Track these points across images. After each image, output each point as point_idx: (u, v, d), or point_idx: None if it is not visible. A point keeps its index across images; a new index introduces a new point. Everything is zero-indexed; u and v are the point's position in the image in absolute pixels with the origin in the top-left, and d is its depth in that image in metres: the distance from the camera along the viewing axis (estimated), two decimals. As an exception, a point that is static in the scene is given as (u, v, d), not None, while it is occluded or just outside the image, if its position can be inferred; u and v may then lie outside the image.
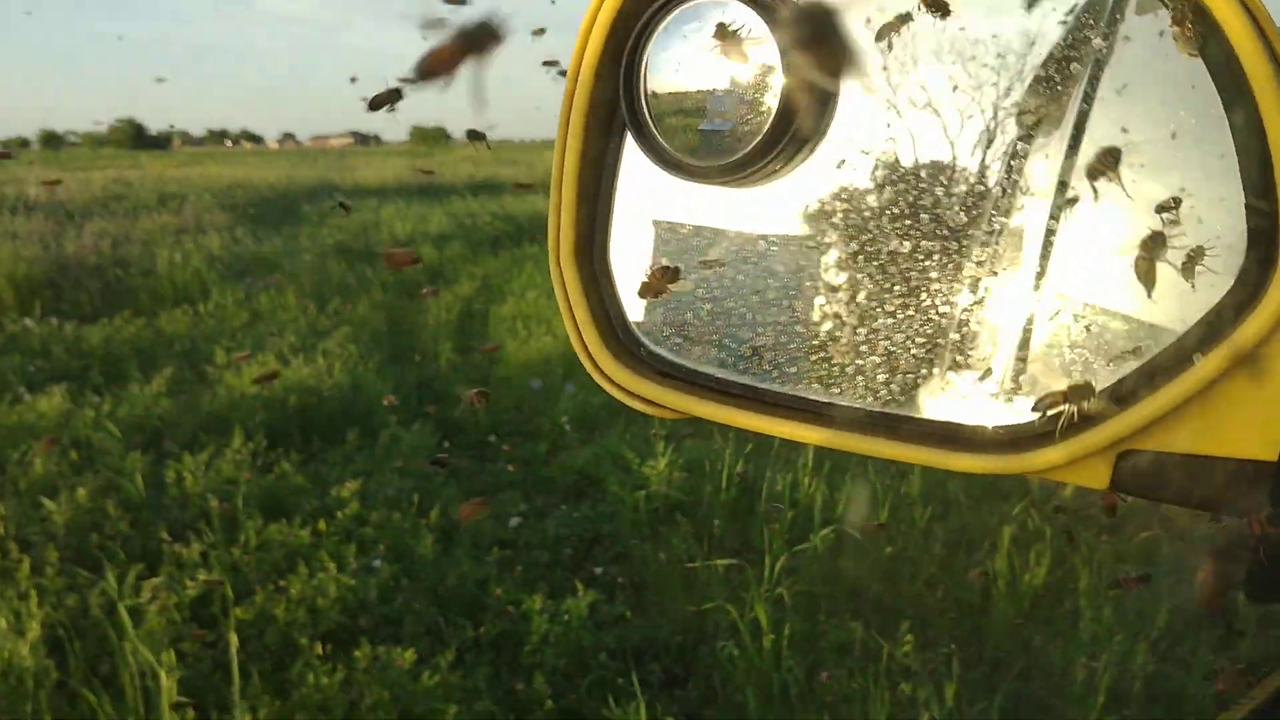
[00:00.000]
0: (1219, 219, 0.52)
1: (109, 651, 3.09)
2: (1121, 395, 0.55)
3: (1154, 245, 0.53)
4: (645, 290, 0.67)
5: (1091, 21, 0.57)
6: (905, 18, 0.58)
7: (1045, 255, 0.57)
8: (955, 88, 0.58)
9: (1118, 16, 0.57)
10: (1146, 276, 0.53)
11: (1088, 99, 0.56)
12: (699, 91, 0.61)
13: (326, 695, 2.91)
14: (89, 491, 3.97)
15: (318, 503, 4.17)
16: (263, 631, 3.25)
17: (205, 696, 2.95)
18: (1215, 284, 0.53)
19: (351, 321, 8.26)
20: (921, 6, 0.57)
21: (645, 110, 0.63)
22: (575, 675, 3.21)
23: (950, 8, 0.57)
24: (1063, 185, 0.56)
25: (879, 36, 0.59)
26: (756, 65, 0.58)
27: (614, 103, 0.65)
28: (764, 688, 3.18)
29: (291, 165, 30.21)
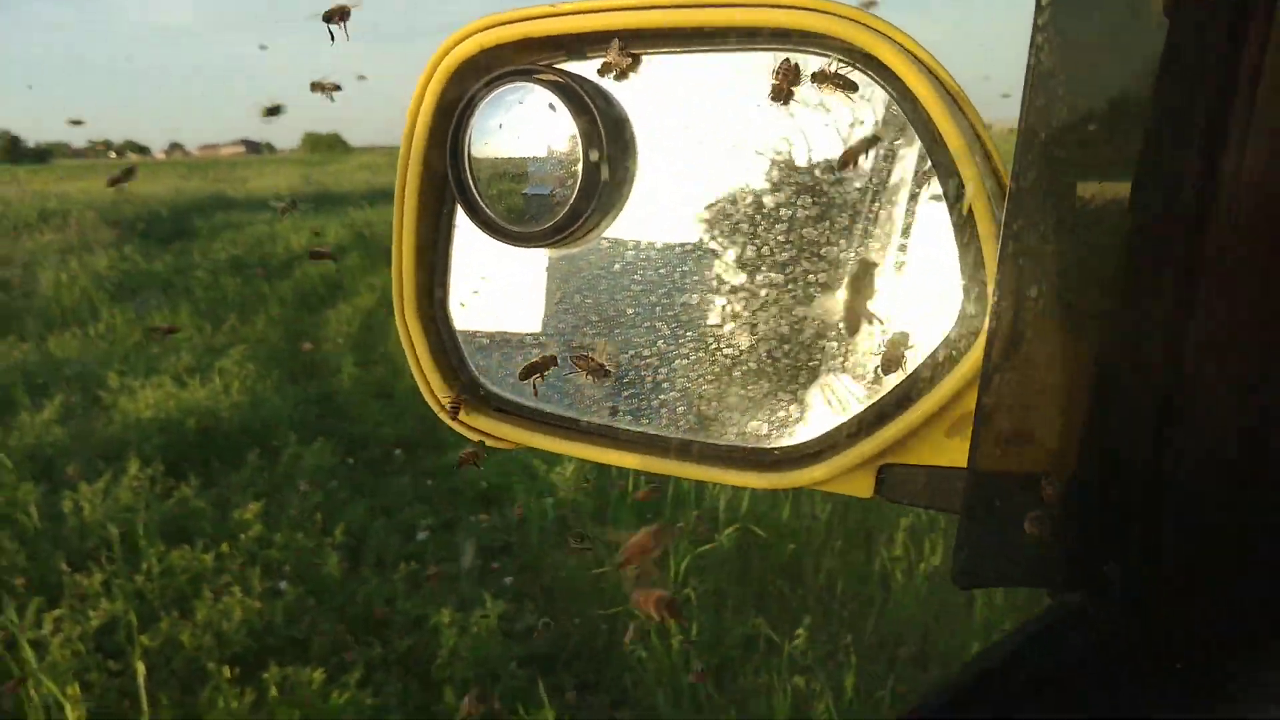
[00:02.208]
0: (948, 279, 0.62)
1: (12, 686, 3.04)
2: (877, 419, 0.64)
3: (900, 344, 0.63)
4: (527, 372, 0.76)
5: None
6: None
7: (812, 311, 0.66)
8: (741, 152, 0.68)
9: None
10: (890, 366, 0.64)
11: (871, 179, 0.65)
12: (520, 160, 0.70)
13: (237, 718, 2.90)
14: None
15: (220, 526, 4.13)
16: (170, 658, 3.22)
17: (112, 727, 2.93)
18: (942, 326, 0.62)
19: (249, 339, 8.14)
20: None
21: (471, 185, 0.72)
22: (486, 686, 3.25)
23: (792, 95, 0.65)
24: (833, 249, 0.66)
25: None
26: (564, 140, 0.68)
27: (444, 175, 0.74)
28: (674, 688, 3.26)
29: (180, 176, 29.42)
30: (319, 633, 3.48)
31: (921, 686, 3.25)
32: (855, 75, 0.64)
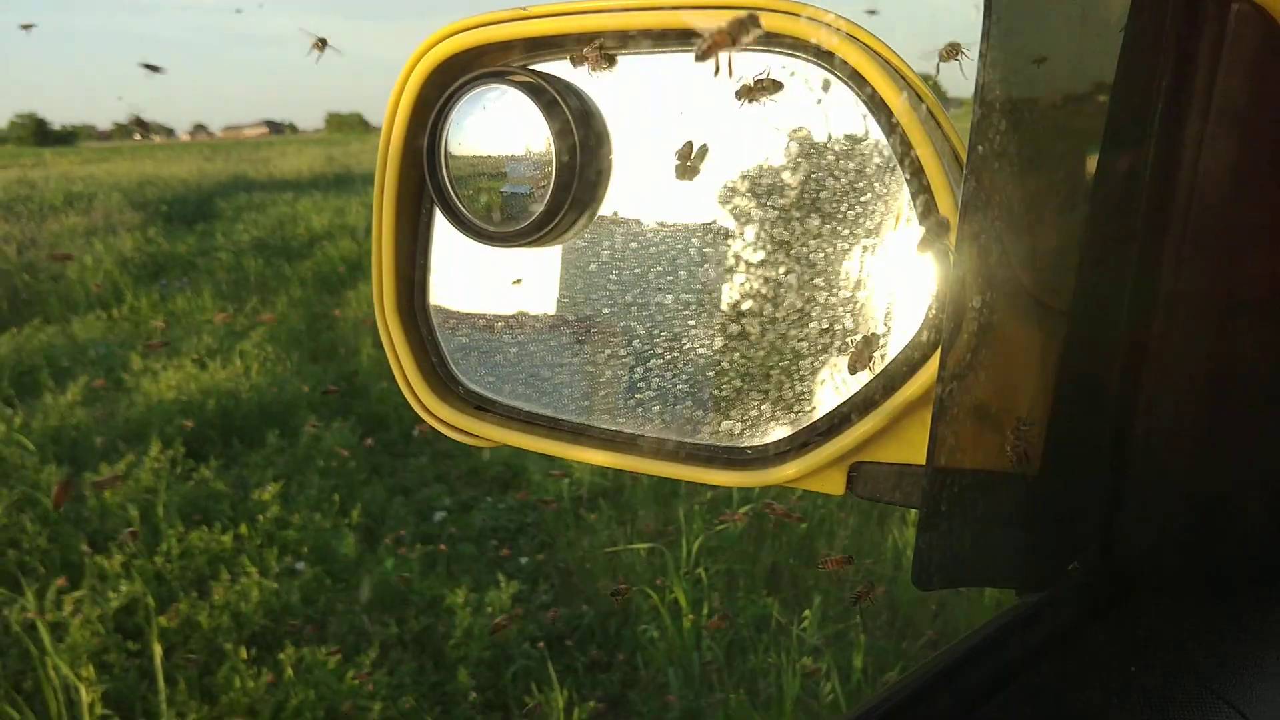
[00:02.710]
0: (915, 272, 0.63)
1: (33, 667, 3.09)
2: (848, 416, 0.65)
3: (869, 344, 0.64)
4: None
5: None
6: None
7: (781, 311, 0.67)
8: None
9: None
10: (859, 363, 0.64)
11: (831, 173, 0.66)
12: (496, 160, 0.71)
13: (254, 698, 2.95)
14: (4, 508, 3.94)
15: (239, 507, 4.18)
16: (188, 639, 3.27)
17: (132, 706, 2.98)
18: (910, 325, 0.63)
19: (269, 320, 8.19)
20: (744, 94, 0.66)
21: (448, 186, 0.73)
22: (499, 666, 3.28)
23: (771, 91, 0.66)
24: (801, 247, 0.67)
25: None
26: (539, 140, 0.69)
27: (422, 176, 0.75)
28: (685, 667, 3.28)
29: (204, 158, 29.59)
30: (334, 613, 3.52)
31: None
32: (818, 75, 0.64)
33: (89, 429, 5.17)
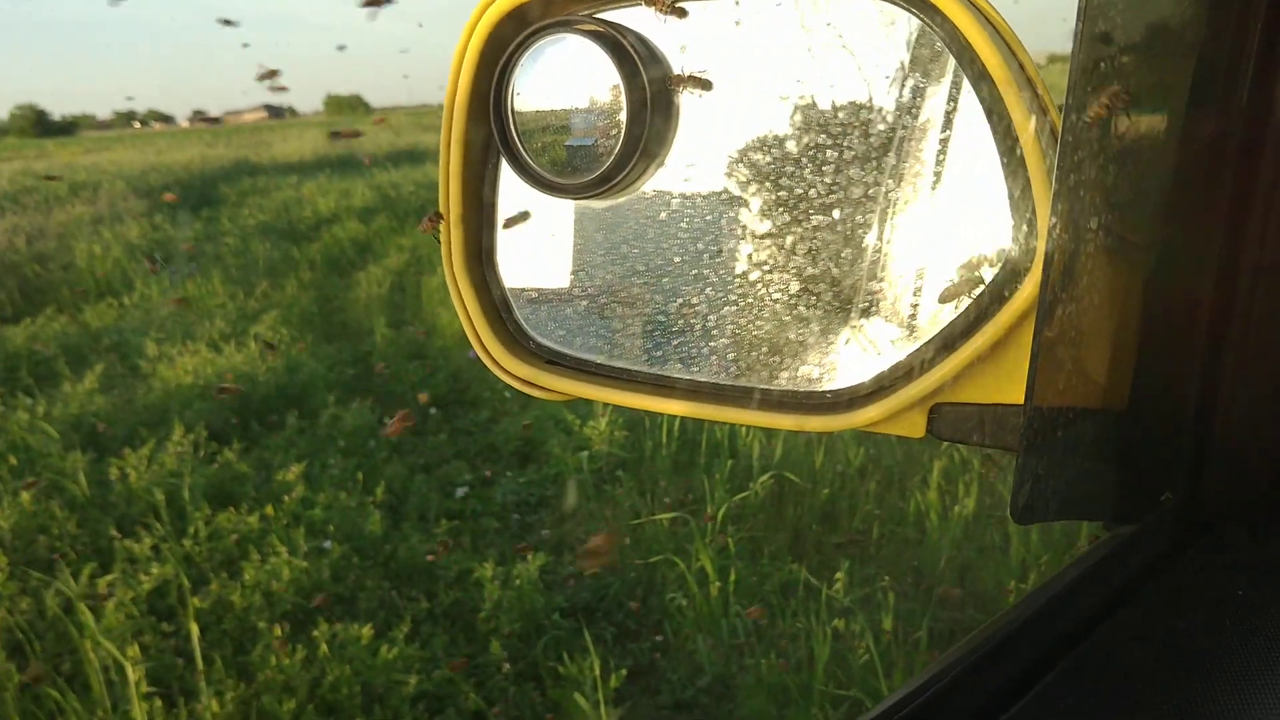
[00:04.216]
0: (996, 215, 0.62)
1: (69, 650, 3.13)
2: (928, 358, 0.65)
3: (968, 284, 0.63)
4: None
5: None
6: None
7: (859, 253, 0.67)
8: (799, 81, 0.67)
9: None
10: (953, 296, 0.64)
11: (912, 116, 0.65)
12: (563, 112, 0.71)
13: (289, 675, 2.98)
14: (32, 494, 3.97)
15: (263, 489, 4.21)
16: (221, 618, 3.30)
17: (169, 685, 3.01)
18: (989, 265, 0.63)
19: (280, 304, 8.21)
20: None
21: (516, 139, 0.72)
22: (530, 637, 3.31)
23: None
24: (878, 189, 0.66)
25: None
26: (606, 90, 0.68)
27: (489, 130, 0.74)
28: (714, 634, 3.30)
29: (205, 144, 29.52)
30: (364, 589, 3.55)
31: (960, 627, 3.27)
32: (893, 12, 0.64)
33: (109, 415, 5.20)
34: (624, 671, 2.94)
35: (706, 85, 0.67)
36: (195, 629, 2.89)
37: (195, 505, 3.91)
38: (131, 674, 2.67)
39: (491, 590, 3.42)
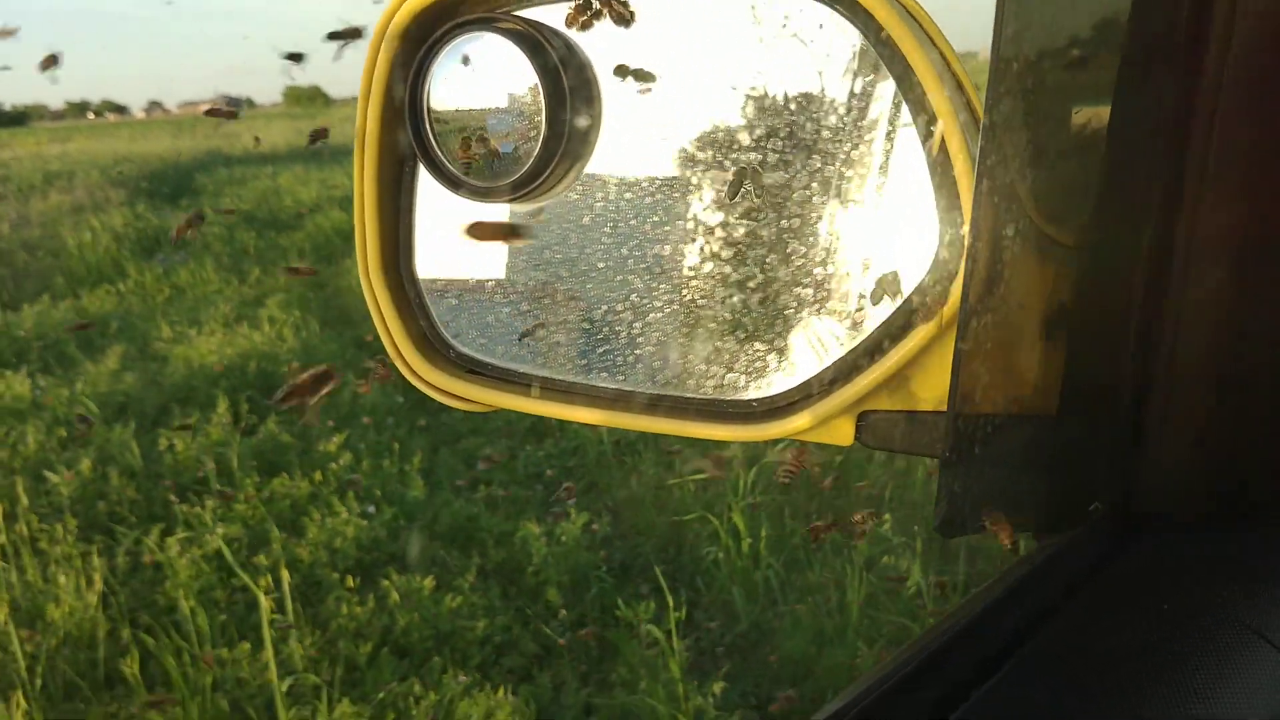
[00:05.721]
0: (923, 218, 0.61)
1: (147, 604, 3.33)
2: (856, 364, 0.64)
3: (895, 289, 0.62)
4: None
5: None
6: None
7: (785, 258, 0.65)
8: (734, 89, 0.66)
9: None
10: (879, 300, 0.63)
11: (839, 118, 0.64)
12: (481, 113, 0.68)
13: (361, 622, 3.20)
14: (89, 463, 4.15)
15: (304, 457, 4.40)
16: (290, 574, 3.51)
17: (246, 635, 3.22)
18: (918, 269, 0.61)
19: (276, 289, 8.36)
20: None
21: (431, 140, 0.69)
22: (579, 588, 3.55)
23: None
24: (804, 192, 0.65)
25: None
26: (526, 90, 0.66)
27: (404, 132, 0.71)
28: (747, 586, 3.55)
29: (171, 135, 29.33)
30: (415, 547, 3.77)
31: (974, 579, 3.54)
32: (819, 12, 0.62)
33: (138, 394, 5.36)
34: (682, 614, 3.17)
35: (649, 78, 0.65)
36: (286, 575, 3.10)
37: (245, 473, 4.10)
38: (264, 602, 2.87)
39: (539, 547, 3.65)
